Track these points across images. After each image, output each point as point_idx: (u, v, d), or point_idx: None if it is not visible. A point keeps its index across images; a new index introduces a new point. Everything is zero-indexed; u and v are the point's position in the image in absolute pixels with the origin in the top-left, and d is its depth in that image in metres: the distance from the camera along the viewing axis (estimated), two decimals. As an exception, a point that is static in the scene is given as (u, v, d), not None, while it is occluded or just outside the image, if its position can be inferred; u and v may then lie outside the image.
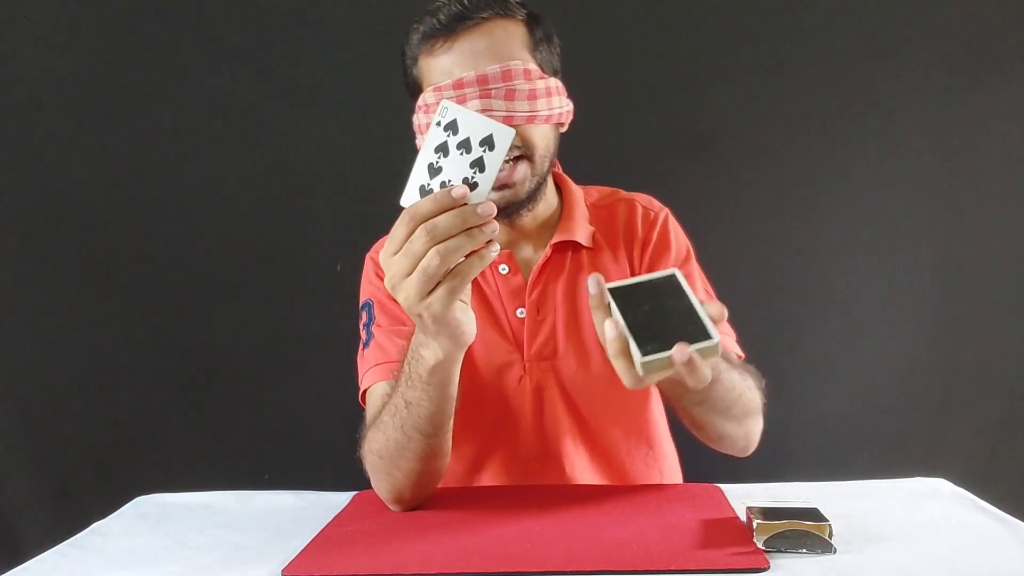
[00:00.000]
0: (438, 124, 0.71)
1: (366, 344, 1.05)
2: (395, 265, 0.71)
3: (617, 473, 1.08)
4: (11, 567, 0.78)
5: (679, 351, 0.64)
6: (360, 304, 1.09)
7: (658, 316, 0.68)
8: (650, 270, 1.07)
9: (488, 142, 0.70)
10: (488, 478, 1.07)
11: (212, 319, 1.58)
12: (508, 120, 0.94)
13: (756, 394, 0.96)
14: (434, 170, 0.70)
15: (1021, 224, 1.55)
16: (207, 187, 1.57)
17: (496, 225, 0.70)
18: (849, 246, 1.56)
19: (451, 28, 0.95)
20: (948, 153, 1.54)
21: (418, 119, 0.99)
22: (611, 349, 0.68)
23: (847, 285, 1.56)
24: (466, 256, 0.71)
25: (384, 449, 0.89)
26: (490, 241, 0.71)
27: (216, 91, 1.55)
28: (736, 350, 1.03)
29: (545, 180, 1.04)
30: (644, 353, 0.65)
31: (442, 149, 0.70)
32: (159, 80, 1.54)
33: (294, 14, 1.54)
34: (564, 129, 1.04)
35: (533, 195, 1.02)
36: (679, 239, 1.11)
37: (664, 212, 1.12)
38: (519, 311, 1.06)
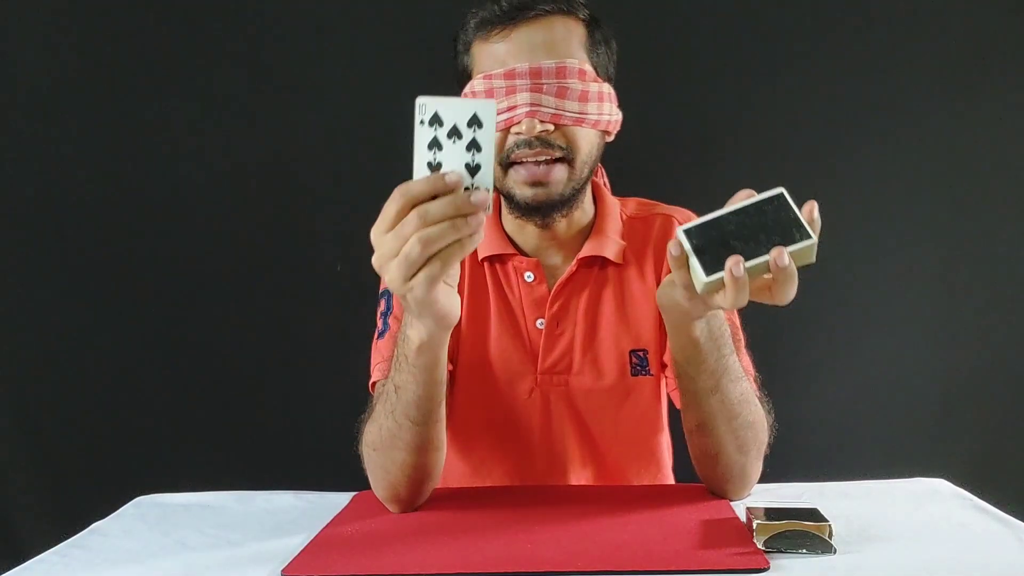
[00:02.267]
0: (421, 123, 0.70)
1: (381, 334, 1.04)
2: (384, 245, 0.71)
3: None
4: (11, 567, 0.77)
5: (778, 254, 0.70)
6: (380, 291, 1.08)
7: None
8: None
9: (475, 121, 0.70)
10: (492, 484, 1.06)
11: (212, 319, 1.58)
12: (556, 118, 0.93)
13: (762, 421, 0.91)
14: (434, 167, 0.70)
15: (1020, 224, 1.55)
16: (207, 187, 1.57)
17: (483, 218, 0.69)
18: (849, 247, 1.56)
19: (511, 17, 0.94)
20: (949, 155, 1.54)
21: None
22: (735, 275, 0.70)
23: (848, 285, 1.56)
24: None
25: (378, 440, 0.88)
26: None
27: (216, 91, 1.55)
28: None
29: (584, 187, 1.02)
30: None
31: (435, 144, 0.70)
32: (159, 80, 1.54)
33: (294, 14, 1.54)
34: (611, 139, 1.03)
35: (570, 200, 1.00)
36: None
37: None
38: (539, 322, 1.04)
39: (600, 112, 0.97)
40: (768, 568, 0.70)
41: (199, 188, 1.57)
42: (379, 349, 1.03)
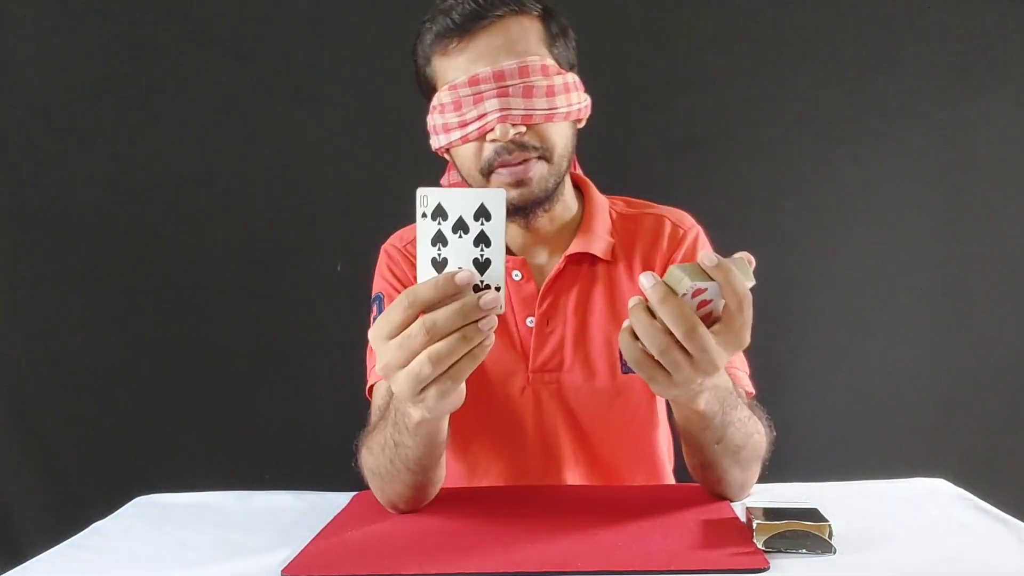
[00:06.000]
0: (424, 216, 0.64)
1: None
2: (388, 353, 0.66)
3: None
4: (11, 567, 0.77)
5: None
6: (371, 296, 1.07)
7: None
8: None
9: (483, 213, 0.64)
10: (488, 485, 1.06)
11: (212, 319, 1.58)
12: (527, 119, 0.93)
13: (762, 439, 0.91)
14: (439, 263, 0.65)
15: (1020, 224, 1.55)
16: (207, 187, 1.57)
17: (495, 321, 0.66)
18: (849, 246, 1.56)
19: (466, 28, 0.93)
20: (948, 153, 1.54)
21: (433, 120, 0.98)
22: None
23: (847, 285, 1.56)
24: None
25: (376, 471, 0.88)
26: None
27: (216, 91, 1.55)
28: (747, 386, 1.00)
29: (563, 179, 1.02)
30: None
31: (439, 239, 0.65)
32: (159, 80, 1.55)
33: (295, 14, 1.54)
34: (582, 125, 1.03)
35: (551, 195, 1.00)
36: None
37: (694, 231, 1.09)
38: (528, 320, 1.04)
39: (569, 103, 0.96)
40: (768, 568, 0.70)
41: (200, 188, 1.57)
42: (373, 354, 1.03)
